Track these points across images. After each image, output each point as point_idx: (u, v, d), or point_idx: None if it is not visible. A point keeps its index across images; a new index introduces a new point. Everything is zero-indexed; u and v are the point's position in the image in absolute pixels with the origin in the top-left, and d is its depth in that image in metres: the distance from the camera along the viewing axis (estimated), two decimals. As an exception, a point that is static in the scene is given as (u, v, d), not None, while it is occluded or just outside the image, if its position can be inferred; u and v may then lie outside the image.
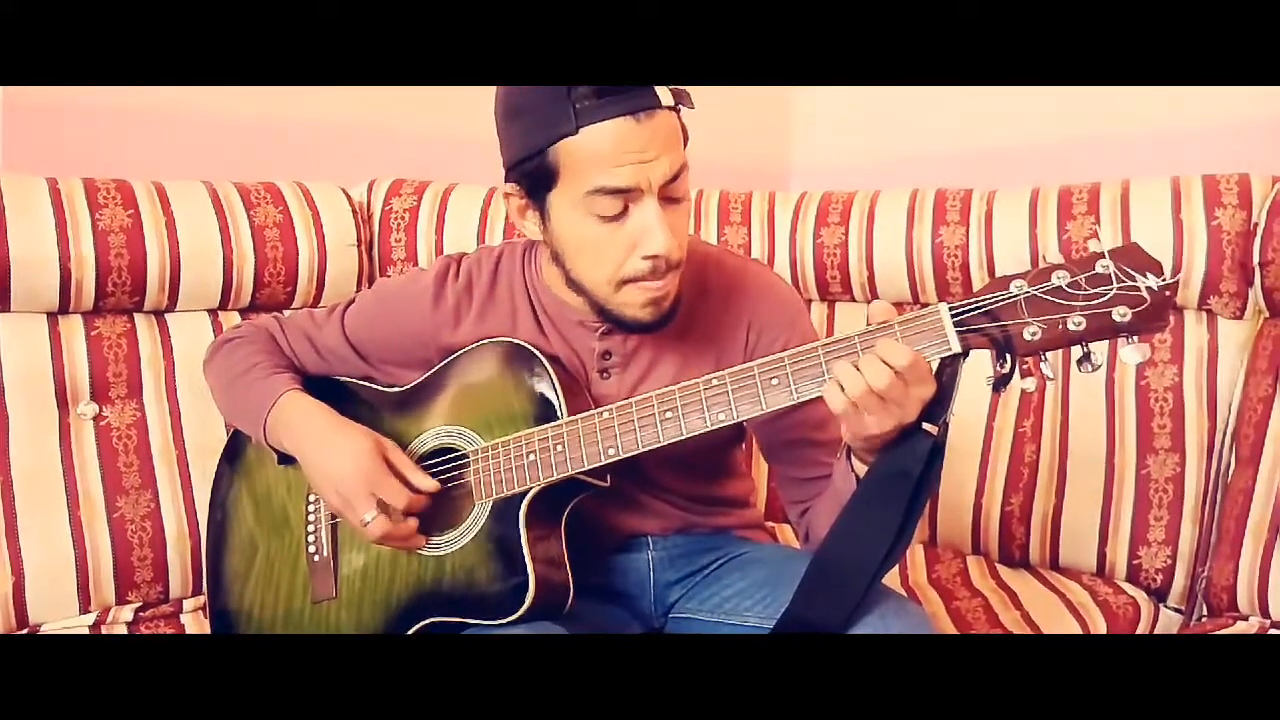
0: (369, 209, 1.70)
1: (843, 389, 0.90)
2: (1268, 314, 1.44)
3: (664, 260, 1.03)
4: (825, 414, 1.14)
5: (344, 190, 1.67)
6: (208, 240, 1.49)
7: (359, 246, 1.65)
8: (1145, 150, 1.77)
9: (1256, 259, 1.41)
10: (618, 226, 1.02)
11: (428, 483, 1.11)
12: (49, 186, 1.40)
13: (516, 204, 1.09)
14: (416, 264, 1.68)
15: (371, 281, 1.67)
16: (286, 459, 1.20)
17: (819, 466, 1.14)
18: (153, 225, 1.44)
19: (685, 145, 1.05)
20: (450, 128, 1.83)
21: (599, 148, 0.99)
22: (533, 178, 1.04)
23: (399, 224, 1.69)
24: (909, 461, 0.93)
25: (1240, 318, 1.46)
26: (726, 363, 1.13)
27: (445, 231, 1.68)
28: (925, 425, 0.92)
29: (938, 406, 0.92)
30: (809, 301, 1.72)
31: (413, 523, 1.11)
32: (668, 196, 1.02)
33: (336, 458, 1.11)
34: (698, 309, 1.15)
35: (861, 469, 0.99)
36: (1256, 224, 1.41)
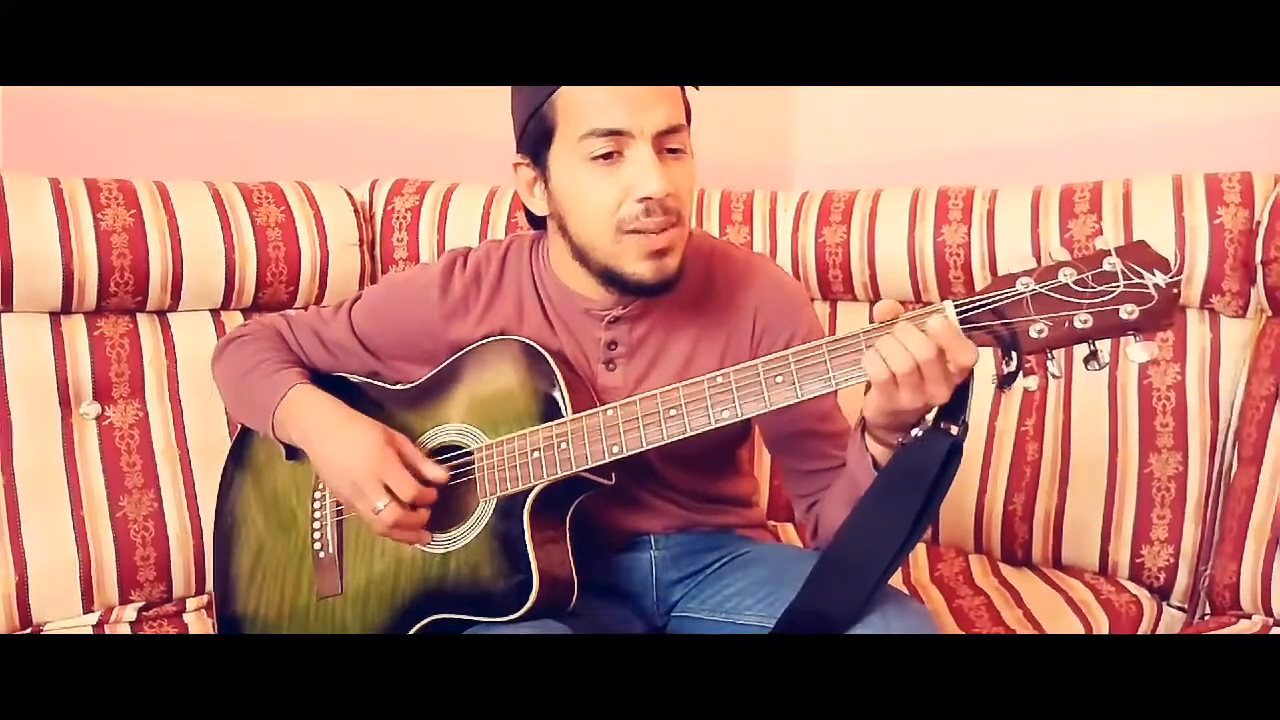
0: (371, 209, 1.70)
1: (885, 362, 0.89)
2: (1270, 312, 1.44)
3: (658, 204, 1.02)
4: (831, 406, 1.15)
5: (346, 190, 1.67)
6: (210, 240, 1.49)
7: (361, 246, 1.65)
8: (1147, 149, 1.77)
9: (1259, 257, 1.41)
10: (612, 171, 1.03)
11: (438, 472, 1.11)
12: (51, 186, 1.40)
13: (526, 176, 1.10)
14: (419, 263, 1.68)
15: (374, 281, 1.67)
16: (294, 454, 1.20)
17: (825, 459, 1.14)
18: (155, 225, 1.44)
19: (689, 120, 1.06)
20: (452, 127, 1.83)
21: (592, 91, 1.01)
22: (535, 139, 1.06)
23: (401, 224, 1.69)
24: (927, 460, 0.93)
25: (1243, 316, 1.46)
26: (733, 354, 1.14)
27: (447, 231, 1.68)
28: (944, 424, 0.93)
29: (955, 406, 0.92)
30: (811, 300, 1.72)
31: (423, 513, 1.11)
32: (666, 148, 1.03)
33: (347, 448, 1.11)
34: (704, 299, 1.15)
35: (875, 448, 0.99)
36: (1259, 222, 1.41)
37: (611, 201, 1.03)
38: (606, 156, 1.02)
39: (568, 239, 1.10)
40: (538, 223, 1.17)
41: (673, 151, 1.04)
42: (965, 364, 0.88)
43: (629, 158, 1.02)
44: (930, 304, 0.91)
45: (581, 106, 1.02)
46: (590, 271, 1.10)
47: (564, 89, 1.02)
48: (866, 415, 0.97)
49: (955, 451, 0.93)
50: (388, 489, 1.08)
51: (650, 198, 1.02)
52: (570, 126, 1.03)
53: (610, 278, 1.09)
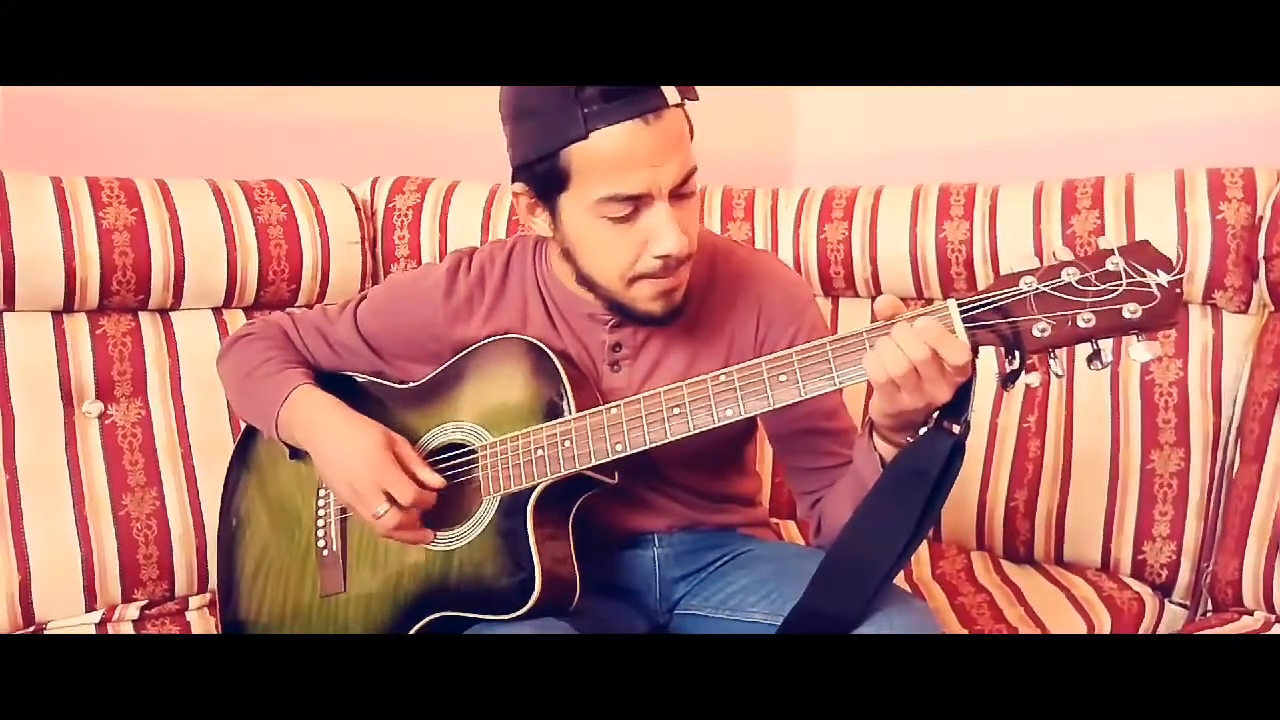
0: (372, 206, 1.70)
1: (883, 364, 0.89)
2: (1272, 308, 1.43)
3: (675, 259, 1.03)
4: (835, 403, 1.15)
5: (347, 188, 1.67)
6: (212, 238, 1.49)
7: (362, 244, 1.65)
8: (1149, 144, 1.76)
9: (1261, 253, 1.40)
10: (629, 227, 1.02)
11: (434, 479, 1.11)
12: (53, 185, 1.40)
13: (525, 202, 1.09)
14: (420, 261, 1.68)
15: (375, 280, 1.67)
16: (297, 454, 1.21)
17: (829, 456, 1.14)
18: (157, 223, 1.44)
19: (691, 139, 1.05)
20: (453, 125, 1.83)
21: (609, 153, 0.98)
22: (543, 180, 1.04)
23: (402, 221, 1.69)
24: (930, 459, 0.93)
25: (1245, 312, 1.46)
26: (737, 353, 1.14)
27: (449, 229, 1.69)
28: (946, 423, 0.92)
29: (958, 405, 0.92)
30: (814, 296, 1.72)
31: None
32: (677, 194, 1.03)
33: (348, 451, 1.11)
34: (707, 300, 1.15)
35: (883, 447, 0.99)
36: (1261, 218, 1.41)
37: (627, 259, 1.04)
38: (624, 217, 1.02)
39: (573, 265, 1.10)
40: None
41: (683, 197, 1.04)
42: (957, 362, 0.88)
43: (645, 215, 1.02)
44: (933, 300, 0.91)
45: (599, 165, 0.99)
46: (596, 296, 1.11)
47: (580, 145, 0.99)
48: (873, 416, 0.98)
49: (958, 450, 0.93)
50: (388, 494, 1.09)
51: (669, 255, 1.02)
52: (587, 185, 1.01)
53: (618, 308, 1.10)
